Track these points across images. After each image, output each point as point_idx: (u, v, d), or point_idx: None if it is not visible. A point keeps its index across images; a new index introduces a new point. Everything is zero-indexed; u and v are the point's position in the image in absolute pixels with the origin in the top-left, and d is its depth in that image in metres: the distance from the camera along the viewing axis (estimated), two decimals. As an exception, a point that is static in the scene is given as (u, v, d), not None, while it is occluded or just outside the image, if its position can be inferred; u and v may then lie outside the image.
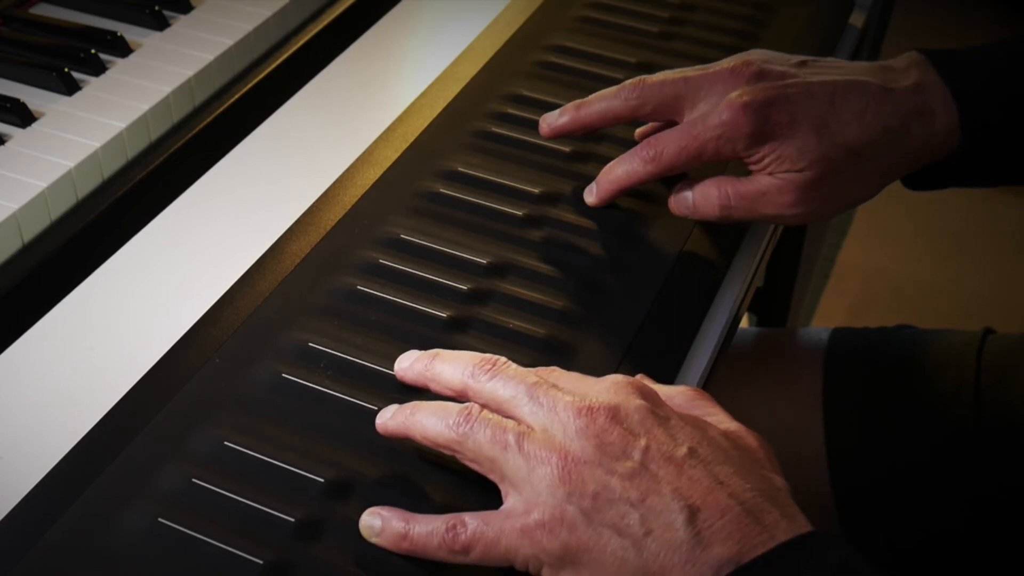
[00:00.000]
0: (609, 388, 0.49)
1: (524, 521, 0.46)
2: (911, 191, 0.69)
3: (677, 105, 0.63)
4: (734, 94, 0.61)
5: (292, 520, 0.47)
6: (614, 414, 0.47)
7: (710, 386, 0.60)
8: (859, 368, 0.78)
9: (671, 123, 0.65)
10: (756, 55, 0.64)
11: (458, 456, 0.49)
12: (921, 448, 0.74)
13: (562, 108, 0.66)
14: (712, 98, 0.62)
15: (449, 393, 0.51)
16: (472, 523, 0.46)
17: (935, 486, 0.74)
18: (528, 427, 0.47)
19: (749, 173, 0.63)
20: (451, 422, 0.48)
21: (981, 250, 2.05)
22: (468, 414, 0.48)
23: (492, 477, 0.48)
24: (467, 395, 0.50)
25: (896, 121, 0.62)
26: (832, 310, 1.87)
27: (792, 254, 1.21)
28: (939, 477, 0.74)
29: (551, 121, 0.66)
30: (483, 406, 0.49)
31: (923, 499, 0.74)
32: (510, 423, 0.47)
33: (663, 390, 0.52)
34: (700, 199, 0.62)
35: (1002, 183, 0.69)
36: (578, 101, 0.66)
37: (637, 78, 0.64)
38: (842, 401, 0.77)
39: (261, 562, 0.45)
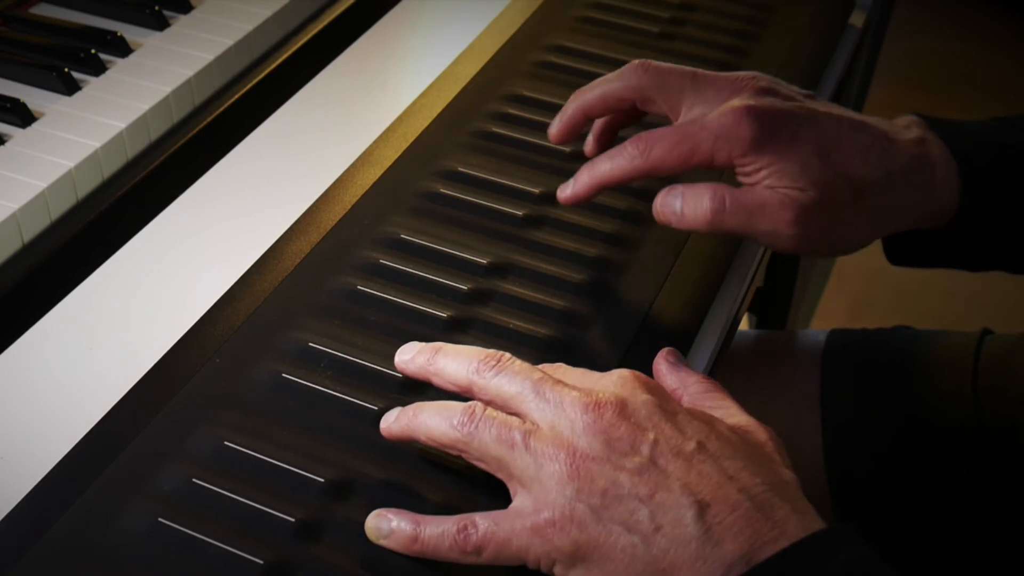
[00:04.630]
0: (616, 382, 0.49)
1: (535, 520, 0.46)
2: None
3: (677, 98, 0.61)
4: (738, 99, 0.59)
5: (292, 520, 0.47)
6: (621, 409, 0.47)
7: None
8: (857, 369, 0.78)
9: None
10: (765, 75, 0.62)
11: (464, 456, 0.49)
12: (920, 449, 0.74)
13: (562, 111, 0.64)
14: (714, 102, 0.60)
15: (453, 389, 0.51)
16: (483, 523, 0.46)
17: (934, 487, 0.74)
18: (534, 424, 0.47)
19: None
20: (455, 422, 0.48)
21: (981, 250, 2.05)
22: (472, 413, 0.48)
23: (500, 476, 0.48)
24: (472, 391, 0.50)
25: (898, 166, 0.61)
26: (832, 310, 1.87)
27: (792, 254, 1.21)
28: (938, 478, 0.74)
29: (552, 129, 0.64)
30: (488, 403, 0.49)
31: (922, 500, 0.74)
32: (515, 421, 0.47)
33: (681, 374, 0.53)
34: (690, 204, 0.58)
35: (992, 265, 0.68)
36: (578, 90, 0.63)
37: (641, 60, 0.62)
38: (839, 402, 0.77)
39: (261, 562, 0.45)
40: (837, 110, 0.62)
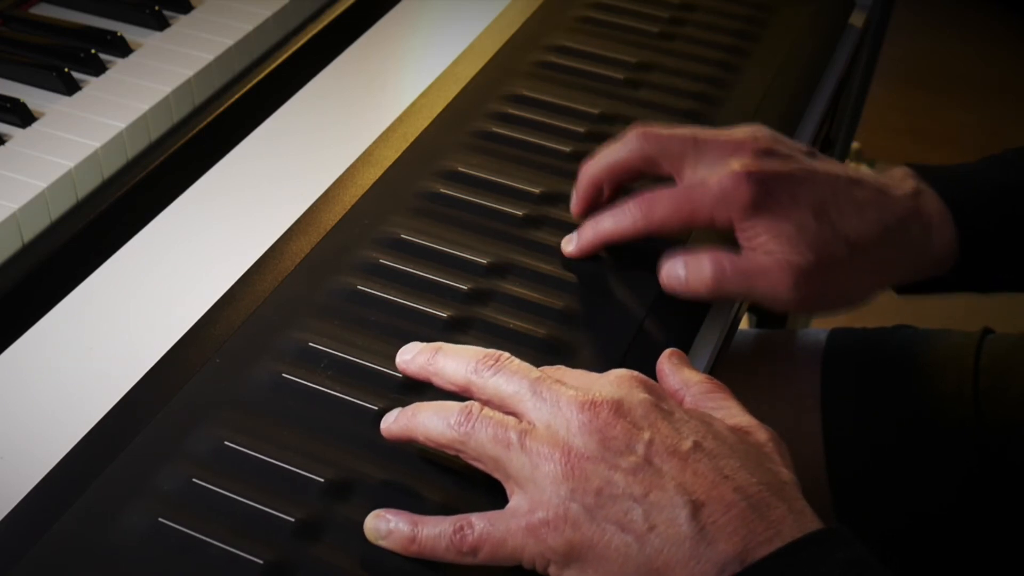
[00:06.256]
0: (613, 382, 0.49)
1: (529, 520, 0.46)
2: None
3: (679, 162, 0.62)
4: (737, 162, 0.59)
5: (292, 520, 0.47)
6: (617, 408, 0.47)
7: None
8: (857, 369, 0.78)
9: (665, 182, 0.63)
10: (765, 132, 0.63)
11: (462, 456, 0.49)
12: (920, 449, 0.74)
13: (575, 186, 0.63)
14: (715, 164, 0.60)
15: (452, 388, 0.51)
16: (479, 524, 0.46)
17: (935, 487, 0.74)
18: (530, 423, 0.47)
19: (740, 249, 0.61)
20: (452, 421, 0.48)
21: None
22: (469, 413, 0.48)
23: (496, 475, 0.48)
24: (470, 391, 0.50)
25: (895, 221, 0.62)
26: (832, 310, 1.87)
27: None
28: (939, 478, 0.74)
29: (572, 205, 0.64)
30: (486, 402, 0.49)
31: (923, 500, 0.74)
32: (512, 420, 0.47)
33: (683, 374, 0.53)
34: (692, 272, 0.60)
35: (1000, 290, 0.69)
36: (586, 163, 0.63)
37: (642, 127, 0.62)
38: (840, 402, 0.77)
39: (261, 562, 0.45)
40: (835, 167, 0.62)
